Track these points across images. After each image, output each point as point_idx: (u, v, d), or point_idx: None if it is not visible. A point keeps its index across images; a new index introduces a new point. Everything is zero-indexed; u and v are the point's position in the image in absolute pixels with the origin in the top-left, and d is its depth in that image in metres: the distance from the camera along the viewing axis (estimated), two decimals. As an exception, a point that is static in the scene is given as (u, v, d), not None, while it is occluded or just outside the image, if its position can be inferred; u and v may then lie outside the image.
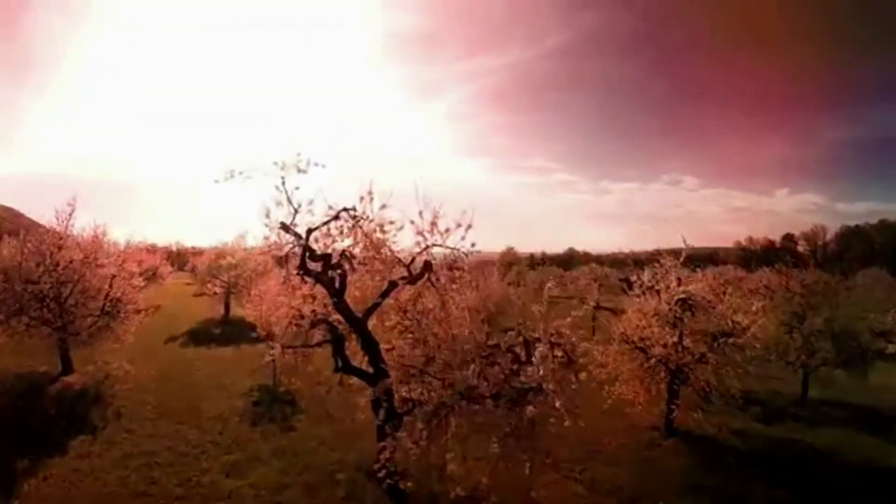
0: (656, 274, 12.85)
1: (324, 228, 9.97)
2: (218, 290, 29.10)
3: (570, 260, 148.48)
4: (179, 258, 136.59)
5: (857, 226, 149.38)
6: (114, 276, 16.81)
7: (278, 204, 9.67)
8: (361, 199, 9.76)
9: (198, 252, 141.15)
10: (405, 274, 10.01)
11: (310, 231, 9.89)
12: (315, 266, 10.09)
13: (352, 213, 9.81)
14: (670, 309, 11.89)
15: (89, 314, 16.44)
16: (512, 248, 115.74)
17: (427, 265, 10.02)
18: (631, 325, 12.57)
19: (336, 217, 9.86)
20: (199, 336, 25.54)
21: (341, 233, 9.98)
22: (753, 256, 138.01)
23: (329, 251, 10.07)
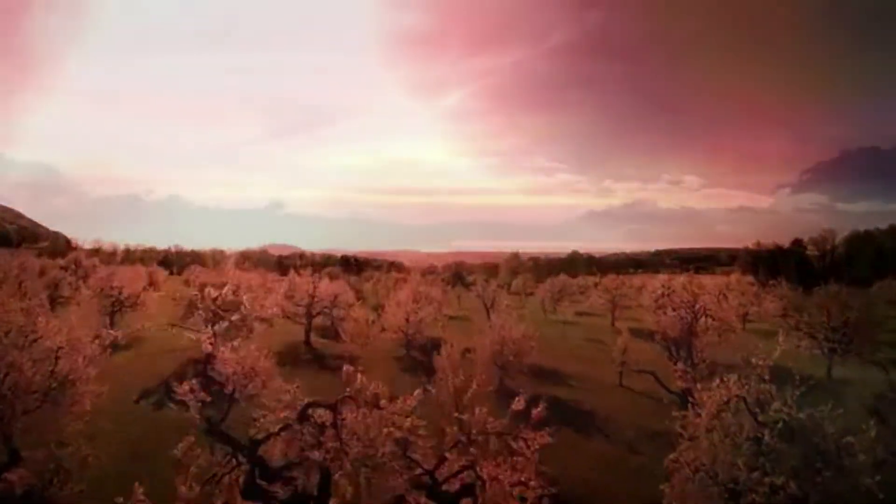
0: (741, 375, 9.76)
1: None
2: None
3: (573, 262, 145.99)
4: (178, 259, 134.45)
5: (866, 231, 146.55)
6: (59, 349, 13.82)
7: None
8: (348, 396, 6.86)
9: (196, 256, 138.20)
10: (427, 481, 7.18)
11: (256, 444, 6.99)
12: (274, 488, 7.11)
13: (323, 409, 6.90)
14: (770, 434, 8.97)
15: (30, 394, 13.43)
16: (516, 254, 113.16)
17: (468, 490, 7.08)
18: (703, 448, 9.47)
19: (301, 419, 7.02)
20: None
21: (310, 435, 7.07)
22: (761, 262, 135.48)
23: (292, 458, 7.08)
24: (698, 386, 13.29)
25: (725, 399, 9.64)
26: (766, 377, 9.54)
